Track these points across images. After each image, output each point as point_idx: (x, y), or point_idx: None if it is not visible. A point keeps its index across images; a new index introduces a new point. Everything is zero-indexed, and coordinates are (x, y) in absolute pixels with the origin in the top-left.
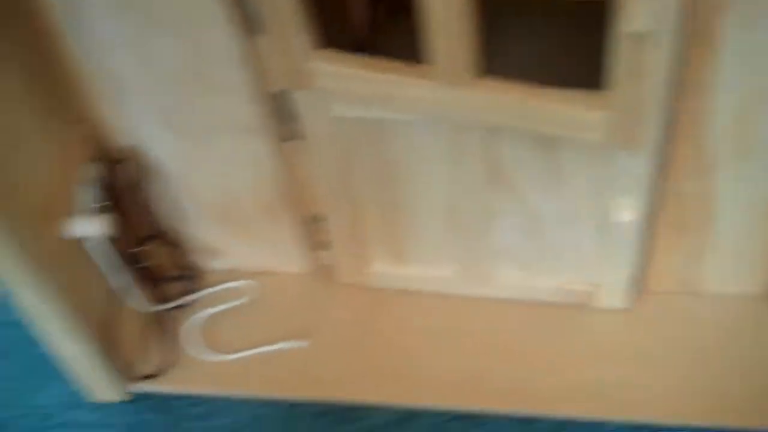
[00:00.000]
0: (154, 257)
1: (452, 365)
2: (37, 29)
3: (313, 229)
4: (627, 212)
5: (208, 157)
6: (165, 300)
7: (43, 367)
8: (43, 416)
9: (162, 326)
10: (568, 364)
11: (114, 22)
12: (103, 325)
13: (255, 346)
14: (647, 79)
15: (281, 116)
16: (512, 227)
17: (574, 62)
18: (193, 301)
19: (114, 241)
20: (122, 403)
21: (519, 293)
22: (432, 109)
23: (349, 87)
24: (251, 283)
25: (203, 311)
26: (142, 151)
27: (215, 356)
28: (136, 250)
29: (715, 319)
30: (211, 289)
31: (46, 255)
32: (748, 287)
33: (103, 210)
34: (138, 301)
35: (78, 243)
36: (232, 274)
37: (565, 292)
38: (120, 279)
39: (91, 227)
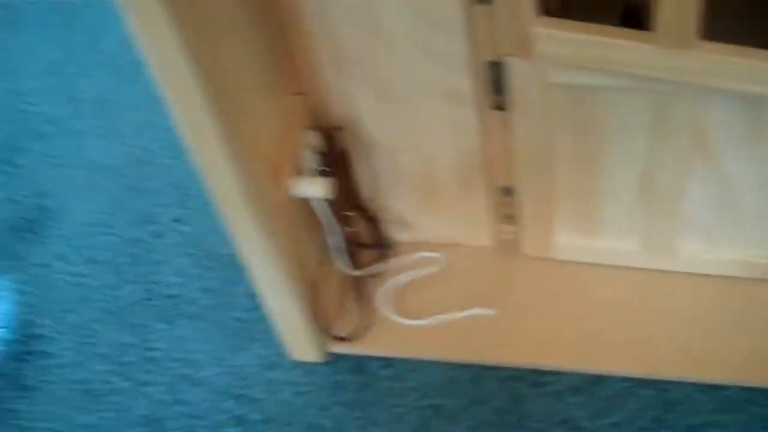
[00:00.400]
0: (354, 225)
1: (634, 335)
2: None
3: (502, 202)
4: None
5: (415, 126)
6: (362, 266)
7: (241, 331)
8: (243, 375)
9: (359, 291)
10: (750, 334)
11: None
12: (313, 285)
13: (444, 313)
14: None
15: (492, 86)
16: (705, 198)
17: None
18: (386, 270)
19: (330, 204)
20: (319, 363)
21: (701, 267)
22: (651, 73)
23: (571, 52)
24: (440, 254)
25: (395, 278)
26: (355, 121)
27: (407, 321)
28: (345, 214)
29: None
30: (402, 258)
31: (272, 211)
32: None
33: (322, 174)
34: (344, 264)
35: (300, 203)
36: (421, 246)
37: (748, 265)
38: (334, 240)
39: (315, 188)
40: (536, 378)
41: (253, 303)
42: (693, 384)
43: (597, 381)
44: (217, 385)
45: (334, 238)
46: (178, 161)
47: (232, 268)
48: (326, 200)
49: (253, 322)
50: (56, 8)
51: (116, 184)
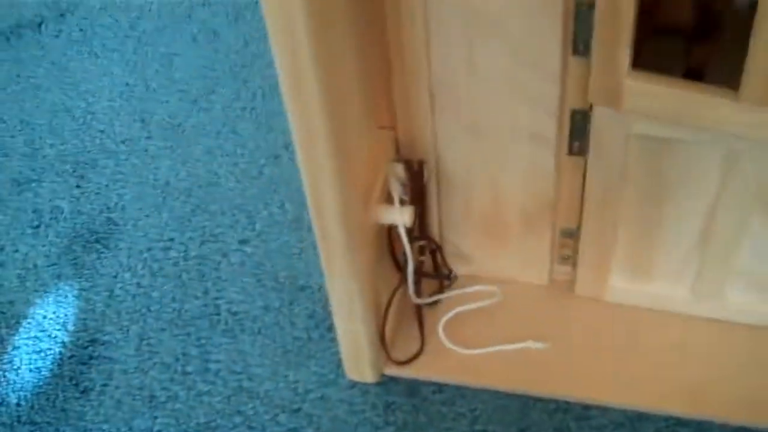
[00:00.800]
0: (422, 255)
1: (678, 376)
2: (382, 41)
3: (562, 243)
4: None
5: (494, 164)
6: (422, 295)
7: (299, 349)
8: (299, 391)
9: (418, 318)
10: None
11: (449, 29)
12: (380, 309)
13: (497, 344)
14: None
15: (574, 131)
16: (760, 250)
17: None
18: (445, 299)
19: (409, 232)
20: (374, 384)
21: (747, 317)
22: (731, 128)
23: (658, 106)
24: (497, 288)
25: (454, 309)
26: (438, 155)
27: (462, 350)
28: (419, 244)
29: None
30: (461, 290)
31: (360, 235)
32: None
33: (405, 203)
34: (411, 291)
35: (381, 229)
36: (479, 279)
37: None
38: (408, 268)
39: (399, 216)
40: (582, 412)
41: (311, 323)
42: (731, 425)
43: (641, 418)
44: (275, 399)
45: (408, 265)
46: (244, 185)
47: (292, 290)
48: (406, 228)
49: (311, 341)
50: (130, 34)
51: (184, 203)
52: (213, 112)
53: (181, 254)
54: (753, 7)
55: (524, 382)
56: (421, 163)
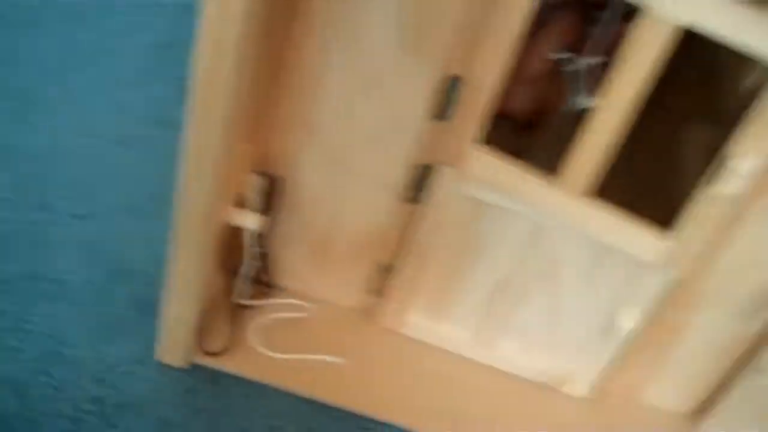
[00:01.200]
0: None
1: (443, 405)
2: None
3: (377, 276)
4: (630, 320)
5: (340, 195)
6: (243, 297)
7: (116, 325)
8: (109, 364)
9: (236, 317)
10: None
11: (339, 77)
12: (209, 302)
13: (300, 353)
14: (713, 228)
15: (417, 183)
16: (537, 312)
17: (658, 191)
18: (262, 306)
19: (257, 237)
20: (181, 369)
21: (511, 366)
22: (547, 208)
23: (491, 175)
24: (308, 304)
25: (267, 315)
26: (296, 175)
27: (267, 352)
28: (257, 250)
29: (644, 425)
30: (277, 300)
31: (210, 229)
32: (677, 407)
33: (258, 211)
34: (240, 290)
35: (233, 230)
36: (297, 293)
37: (546, 374)
38: (245, 269)
39: (249, 221)
40: (364, 423)
41: (131, 304)
42: None
43: None
44: (84, 366)
45: (243, 266)
46: (92, 165)
47: (118, 271)
48: (252, 233)
49: (128, 320)
50: None
51: (26, 168)
52: (70, 89)
53: (13, 215)
54: (579, 114)
55: (318, 389)
56: (278, 180)
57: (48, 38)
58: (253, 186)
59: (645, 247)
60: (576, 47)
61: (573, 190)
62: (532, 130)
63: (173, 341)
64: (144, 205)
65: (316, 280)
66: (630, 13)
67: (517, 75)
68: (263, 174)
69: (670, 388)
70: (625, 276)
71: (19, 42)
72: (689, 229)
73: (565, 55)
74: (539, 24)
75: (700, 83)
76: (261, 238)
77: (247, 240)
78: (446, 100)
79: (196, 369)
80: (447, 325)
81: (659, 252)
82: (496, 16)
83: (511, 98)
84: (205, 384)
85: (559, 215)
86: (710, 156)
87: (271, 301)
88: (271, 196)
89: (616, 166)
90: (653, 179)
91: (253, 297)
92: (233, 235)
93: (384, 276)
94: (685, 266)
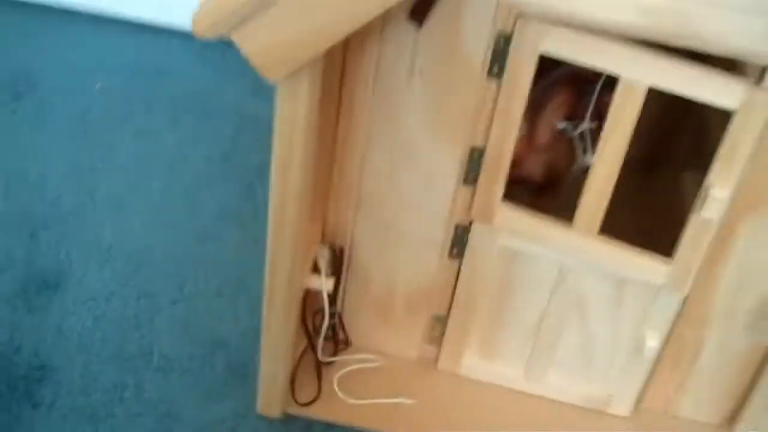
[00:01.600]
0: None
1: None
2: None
3: (432, 327)
4: (654, 340)
5: (393, 258)
6: (325, 353)
7: (219, 387)
8: (216, 419)
9: (318, 371)
10: None
11: (381, 155)
12: (296, 360)
13: (377, 398)
14: (701, 249)
15: (456, 240)
16: (574, 344)
17: (660, 226)
18: (340, 360)
19: (328, 298)
20: (278, 420)
21: (559, 395)
22: (567, 249)
23: (518, 226)
24: (380, 356)
25: (346, 368)
26: (354, 244)
27: (350, 399)
28: (331, 311)
29: None
30: (354, 355)
31: (294, 295)
32: (711, 418)
33: (328, 276)
34: (320, 348)
35: (309, 292)
36: (365, 347)
37: (591, 399)
38: (323, 327)
39: (324, 284)
40: None
41: (228, 370)
42: None
43: None
44: (196, 423)
45: (323, 325)
46: (176, 258)
47: (213, 343)
48: (327, 294)
49: (228, 383)
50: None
51: (124, 265)
52: (152, 194)
53: (120, 305)
54: (585, 171)
55: (394, 425)
56: (341, 249)
57: (128, 148)
58: (322, 255)
59: (654, 273)
60: (576, 116)
61: (587, 231)
62: (549, 189)
63: (269, 396)
64: (225, 289)
65: (382, 335)
66: (613, 83)
67: (529, 146)
68: (329, 244)
69: (700, 400)
70: (642, 301)
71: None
72: (687, 252)
73: (567, 124)
74: (542, 100)
75: (695, 133)
76: (333, 301)
77: (322, 303)
78: (471, 167)
79: (290, 419)
80: (498, 364)
81: (667, 276)
82: (502, 99)
83: (528, 166)
84: (300, 430)
85: (578, 255)
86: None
87: (346, 356)
88: (337, 264)
89: (626, 209)
90: (658, 217)
91: (331, 354)
92: (311, 301)
93: (438, 326)
94: (690, 286)
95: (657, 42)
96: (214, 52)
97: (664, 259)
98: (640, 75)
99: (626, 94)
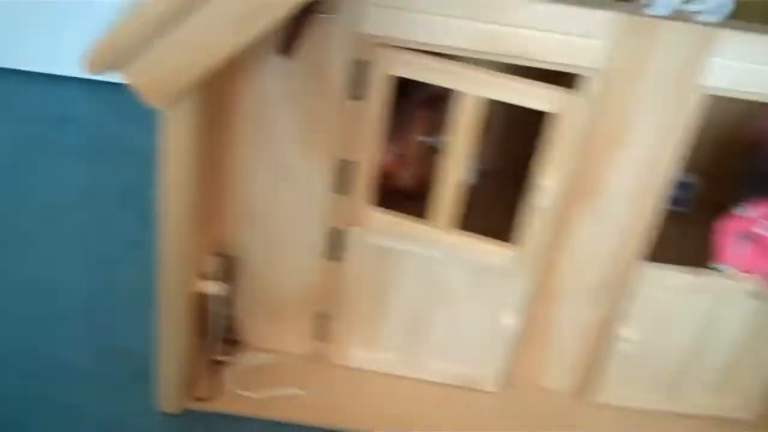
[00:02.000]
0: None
1: (382, 411)
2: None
3: (319, 323)
4: (511, 319)
5: (277, 263)
6: (220, 353)
7: (122, 389)
8: (121, 415)
9: (215, 370)
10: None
11: (262, 174)
12: (192, 360)
13: (272, 390)
14: (539, 235)
15: (334, 243)
16: (444, 329)
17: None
18: (235, 359)
19: (221, 302)
20: (178, 414)
21: (434, 377)
22: (429, 243)
23: (387, 227)
24: (272, 354)
25: (240, 365)
26: (244, 252)
27: (244, 393)
28: (225, 315)
29: (546, 406)
30: (248, 354)
31: (183, 298)
32: (571, 387)
33: (219, 281)
34: (214, 348)
35: (202, 296)
36: (260, 348)
37: (461, 377)
38: (215, 330)
39: (215, 288)
40: None
41: (130, 373)
42: None
43: None
44: (102, 421)
45: (216, 327)
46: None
47: (115, 350)
48: (219, 298)
49: (129, 386)
50: None
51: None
52: (62, 231)
53: (32, 322)
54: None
55: (289, 414)
56: (234, 258)
57: (36, 191)
58: (213, 264)
59: (502, 258)
60: (436, 131)
61: (445, 227)
62: (422, 196)
63: (168, 394)
64: (129, 304)
65: (276, 334)
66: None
67: (401, 160)
68: (220, 254)
69: (560, 371)
70: (497, 284)
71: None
72: (527, 238)
73: (430, 139)
74: (409, 119)
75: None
76: (225, 305)
77: (216, 303)
78: (342, 179)
79: (189, 414)
80: (381, 353)
81: (513, 260)
82: (364, 118)
83: (401, 177)
84: (199, 423)
85: (439, 248)
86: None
87: (242, 355)
88: (231, 271)
89: (495, 211)
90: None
91: (226, 353)
92: (204, 306)
93: (325, 323)
94: (534, 268)
95: (493, 60)
96: (114, 96)
97: (509, 245)
98: (478, 90)
99: (466, 106)
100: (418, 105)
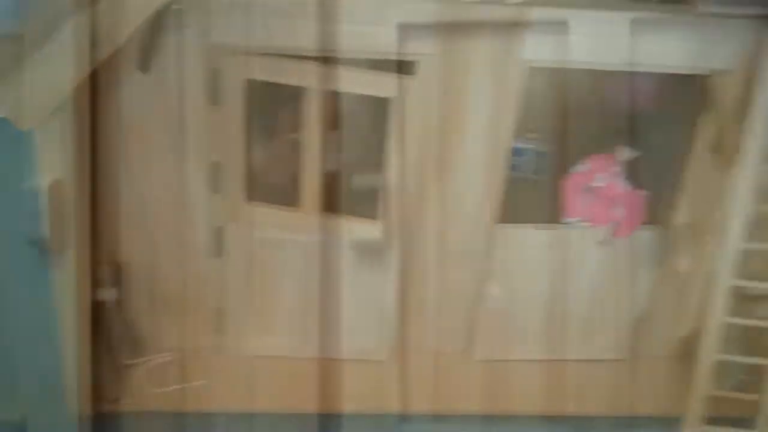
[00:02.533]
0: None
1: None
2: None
3: (214, 317)
4: (389, 292)
5: (167, 266)
6: (125, 356)
7: (42, 400)
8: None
9: (120, 369)
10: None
11: (141, 184)
12: (99, 365)
13: (177, 384)
14: (394, 210)
15: (216, 240)
16: (330, 307)
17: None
18: (140, 360)
19: (119, 309)
20: (93, 418)
21: (333, 353)
22: (300, 229)
23: (263, 220)
24: (174, 351)
25: (148, 364)
26: (133, 262)
27: (152, 390)
28: (122, 317)
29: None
30: (151, 354)
31: (86, 309)
32: (455, 347)
33: (114, 288)
34: (120, 351)
35: (100, 304)
36: (162, 347)
37: (357, 350)
38: (116, 332)
39: (109, 294)
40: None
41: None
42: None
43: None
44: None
45: (116, 330)
46: None
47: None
48: (116, 303)
49: (47, 393)
50: None
51: None
52: None
53: None
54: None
55: (194, 404)
56: (124, 263)
57: None
58: (107, 272)
59: (370, 233)
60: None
61: (313, 211)
62: (296, 191)
63: (77, 399)
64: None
65: (175, 333)
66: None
67: (274, 157)
68: (113, 262)
69: (443, 334)
70: (373, 259)
71: None
72: (386, 214)
73: (296, 136)
74: (277, 121)
75: None
76: (123, 310)
77: (112, 307)
78: (215, 179)
79: (101, 416)
80: (278, 338)
81: (379, 233)
82: (224, 121)
83: (276, 171)
84: (111, 425)
85: (311, 232)
86: None
87: (147, 355)
88: (122, 277)
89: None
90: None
91: (132, 355)
92: (104, 314)
93: (221, 317)
94: (403, 240)
95: (332, 57)
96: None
97: (373, 221)
98: (322, 83)
99: (313, 100)
100: (282, 106)
